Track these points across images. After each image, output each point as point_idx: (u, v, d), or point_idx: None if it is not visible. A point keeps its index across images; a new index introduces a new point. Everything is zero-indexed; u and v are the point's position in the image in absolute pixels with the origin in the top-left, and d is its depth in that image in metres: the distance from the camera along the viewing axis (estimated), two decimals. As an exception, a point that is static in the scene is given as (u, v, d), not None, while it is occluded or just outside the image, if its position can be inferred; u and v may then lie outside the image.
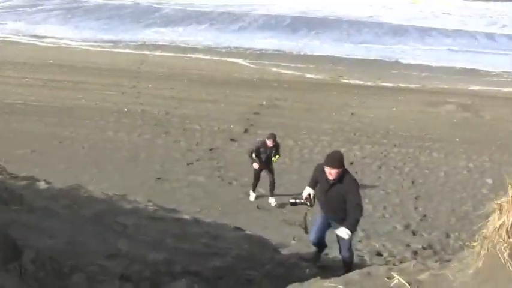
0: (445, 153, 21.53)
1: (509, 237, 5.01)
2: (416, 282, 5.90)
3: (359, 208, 8.33)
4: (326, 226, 9.00)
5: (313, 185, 8.78)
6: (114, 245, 7.79)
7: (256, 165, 15.96)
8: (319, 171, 8.52)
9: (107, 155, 19.58)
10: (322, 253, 9.89)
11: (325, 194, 8.48)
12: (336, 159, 8.24)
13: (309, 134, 22.49)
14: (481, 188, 18.32)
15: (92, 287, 6.55)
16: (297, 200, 8.93)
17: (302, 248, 11.95)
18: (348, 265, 9.08)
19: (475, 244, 5.84)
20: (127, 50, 39.90)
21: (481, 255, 5.46)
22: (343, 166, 8.30)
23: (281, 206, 15.79)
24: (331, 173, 8.17)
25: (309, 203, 8.75)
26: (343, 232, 8.33)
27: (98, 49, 39.79)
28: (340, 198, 8.31)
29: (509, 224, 5.06)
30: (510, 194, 5.27)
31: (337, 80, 33.27)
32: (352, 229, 8.39)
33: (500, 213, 5.30)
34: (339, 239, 8.86)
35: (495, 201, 5.44)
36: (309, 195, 8.75)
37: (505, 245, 5.01)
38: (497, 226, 5.24)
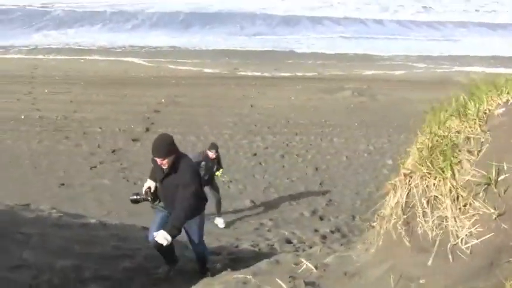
0: (345, 138, 22.11)
1: (404, 214, 5.24)
2: (323, 266, 6.08)
3: (186, 205, 7.16)
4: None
5: (153, 177, 7.86)
6: (19, 256, 7.58)
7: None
8: (154, 160, 7.53)
9: (6, 165, 18.94)
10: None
11: (161, 186, 7.62)
12: (160, 147, 7.26)
13: (210, 129, 22.56)
14: (382, 169, 18.90)
15: (-1, 302, 6.40)
16: (138, 197, 8.00)
17: (213, 242, 12.01)
18: (202, 260, 8.58)
19: (374, 224, 6.08)
20: (19, 56, 38.69)
21: (380, 234, 5.69)
22: (175, 152, 7.32)
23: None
24: (162, 162, 7.22)
25: (150, 198, 7.85)
26: (160, 237, 7.05)
27: (-13, 56, 38.39)
28: (176, 190, 7.28)
29: (403, 201, 5.29)
30: (402, 173, 5.51)
31: (234, 73, 33.51)
32: (173, 232, 7.12)
33: (395, 192, 5.52)
34: (188, 232, 8.08)
35: (389, 182, 5.68)
36: (149, 188, 7.85)
37: (400, 222, 5.23)
38: (393, 205, 5.47)
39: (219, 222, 14.52)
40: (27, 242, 8.07)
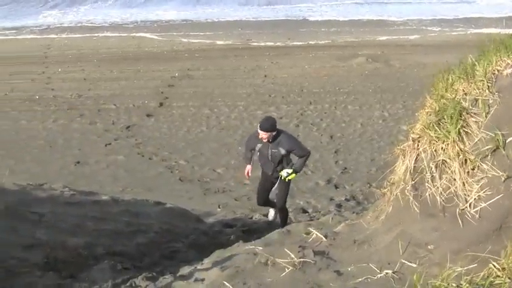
0: (359, 105, 21.90)
1: (412, 180, 5.17)
2: (333, 234, 6.04)
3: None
4: None
5: None
6: (31, 235, 7.61)
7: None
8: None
9: (23, 145, 19.01)
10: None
11: None
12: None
13: (224, 101, 22.45)
14: (397, 135, 18.70)
15: (12, 281, 6.42)
16: None
17: (228, 214, 12.04)
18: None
19: (385, 191, 6.02)
20: (32, 36, 38.53)
21: (390, 201, 5.63)
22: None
23: (203, 175, 15.78)
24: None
25: None
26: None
27: (1, 38, 38.33)
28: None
29: (412, 167, 5.22)
30: (411, 138, 5.43)
31: (247, 44, 33.24)
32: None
33: (404, 157, 5.45)
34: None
35: (398, 147, 5.60)
36: None
37: (409, 187, 5.17)
38: (402, 171, 5.40)
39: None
40: (40, 221, 8.10)
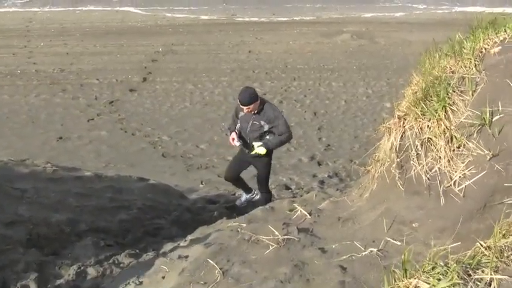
0: (343, 81, 21.88)
1: (398, 157, 5.15)
2: (317, 211, 6.02)
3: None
4: None
5: None
6: (13, 211, 7.53)
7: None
8: None
9: (4, 120, 18.80)
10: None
11: None
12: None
13: (208, 76, 22.34)
14: (380, 112, 18.72)
15: (-5, 258, 6.36)
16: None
17: (211, 190, 11.99)
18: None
19: (369, 168, 6.00)
20: (13, 9, 38.17)
21: (375, 178, 5.61)
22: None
23: (186, 151, 15.70)
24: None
25: None
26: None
27: (-19, 11, 37.92)
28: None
29: (397, 144, 5.19)
30: (396, 116, 5.40)
31: (231, 19, 33.10)
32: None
33: (389, 135, 5.43)
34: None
35: (383, 125, 5.58)
36: None
37: (394, 165, 5.15)
38: (387, 148, 5.37)
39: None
40: (22, 197, 8.01)
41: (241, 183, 9.15)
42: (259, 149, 8.13)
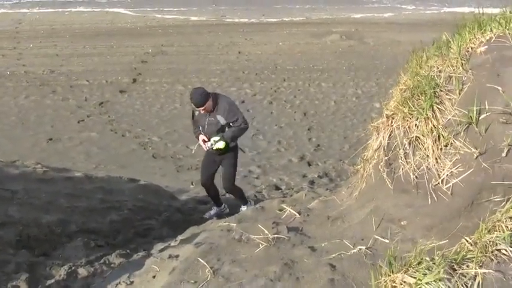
0: (333, 82, 21.93)
1: (386, 156, 5.19)
2: (307, 211, 6.06)
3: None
4: None
5: None
6: (4, 212, 7.54)
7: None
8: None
9: (-6, 122, 18.78)
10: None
11: None
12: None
13: (198, 77, 22.34)
14: (370, 112, 18.77)
15: (-16, 259, 6.37)
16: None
17: (201, 191, 12.00)
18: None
19: (358, 167, 6.04)
20: (2, 10, 37.98)
21: (363, 177, 5.66)
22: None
23: (176, 152, 15.71)
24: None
25: None
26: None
27: (-30, 12, 37.77)
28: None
29: (386, 143, 5.24)
30: (384, 115, 5.45)
31: (221, 20, 33.12)
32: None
33: (378, 134, 5.47)
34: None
35: (372, 124, 5.62)
36: None
37: (383, 163, 5.19)
38: (376, 147, 5.42)
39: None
40: (12, 198, 8.02)
41: (213, 193, 9.13)
42: (218, 143, 8.10)
